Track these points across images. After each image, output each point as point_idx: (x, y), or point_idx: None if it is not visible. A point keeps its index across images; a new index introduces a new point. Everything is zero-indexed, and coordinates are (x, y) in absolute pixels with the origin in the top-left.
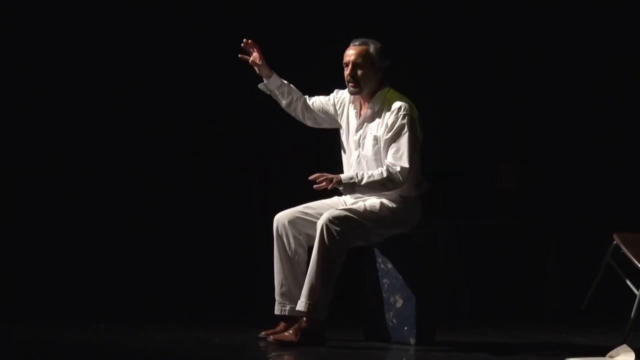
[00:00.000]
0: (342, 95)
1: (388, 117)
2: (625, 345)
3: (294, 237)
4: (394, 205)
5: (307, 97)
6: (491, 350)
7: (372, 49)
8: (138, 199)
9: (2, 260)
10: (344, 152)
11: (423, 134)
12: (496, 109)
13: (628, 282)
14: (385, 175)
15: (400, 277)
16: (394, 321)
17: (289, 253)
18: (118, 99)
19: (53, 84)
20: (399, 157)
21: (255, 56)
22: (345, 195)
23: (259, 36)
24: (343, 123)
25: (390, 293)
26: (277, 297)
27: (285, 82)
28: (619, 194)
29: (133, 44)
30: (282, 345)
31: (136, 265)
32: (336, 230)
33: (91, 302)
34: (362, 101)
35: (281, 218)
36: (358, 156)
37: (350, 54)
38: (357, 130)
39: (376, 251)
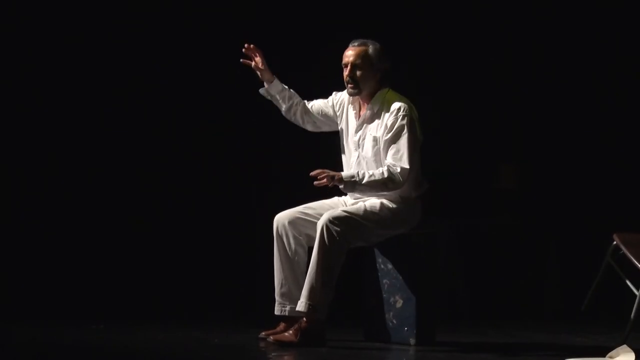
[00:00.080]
0: (340, 97)
1: (387, 118)
2: (625, 346)
3: (294, 237)
4: (394, 206)
5: (306, 101)
6: (491, 351)
7: (371, 49)
8: (138, 199)
9: (2, 260)
10: (344, 153)
11: (423, 134)
12: (496, 109)
13: (628, 283)
14: (386, 175)
15: (400, 278)
16: (394, 321)
17: (289, 253)
18: (118, 99)
19: (53, 84)
20: (399, 158)
21: (257, 61)
22: (346, 192)
23: (259, 36)
24: (342, 124)
25: (390, 293)
26: (277, 297)
27: (286, 87)
28: (619, 194)
29: (133, 44)
30: (282, 345)
31: (136, 265)
32: (336, 231)
33: (91, 302)
34: (361, 102)
35: (281, 218)
36: (358, 157)
37: (349, 54)
38: (356, 131)
39: (376, 251)
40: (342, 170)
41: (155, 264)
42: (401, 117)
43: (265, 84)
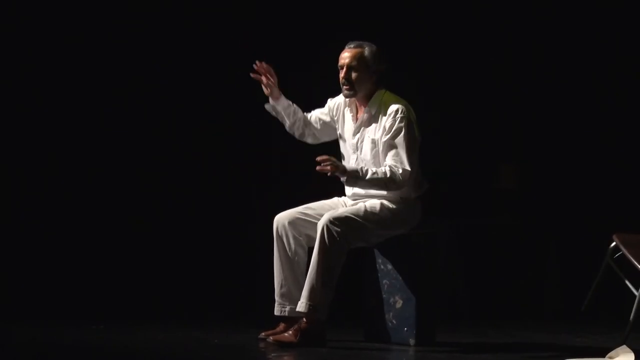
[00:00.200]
0: (337, 101)
1: (385, 120)
2: (625, 346)
3: (294, 237)
4: (394, 206)
5: (305, 113)
6: (491, 351)
7: (367, 51)
8: (138, 199)
9: (2, 260)
10: (343, 156)
11: (421, 135)
12: (496, 109)
13: (628, 283)
14: (388, 175)
15: (400, 278)
16: (394, 322)
17: (289, 254)
18: (118, 99)
19: (53, 84)
20: (399, 160)
21: (272, 81)
22: (346, 186)
23: (259, 36)
24: (340, 127)
25: (390, 294)
26: (277, 297)
27: (291, 102)
28: (619, 194)
29: (133, 44)
30: (282, 346)
31: (136, 265)
32: (336, 231)
33: (91, 302)
34: (357, 104)
35: (281, 219)
36: (356, 159)
37: (345, 56)
38: (354, 134)
39: (376, 252)
40: None
41: (155, 264)
42: (399, 118)
43: (270, 99)
